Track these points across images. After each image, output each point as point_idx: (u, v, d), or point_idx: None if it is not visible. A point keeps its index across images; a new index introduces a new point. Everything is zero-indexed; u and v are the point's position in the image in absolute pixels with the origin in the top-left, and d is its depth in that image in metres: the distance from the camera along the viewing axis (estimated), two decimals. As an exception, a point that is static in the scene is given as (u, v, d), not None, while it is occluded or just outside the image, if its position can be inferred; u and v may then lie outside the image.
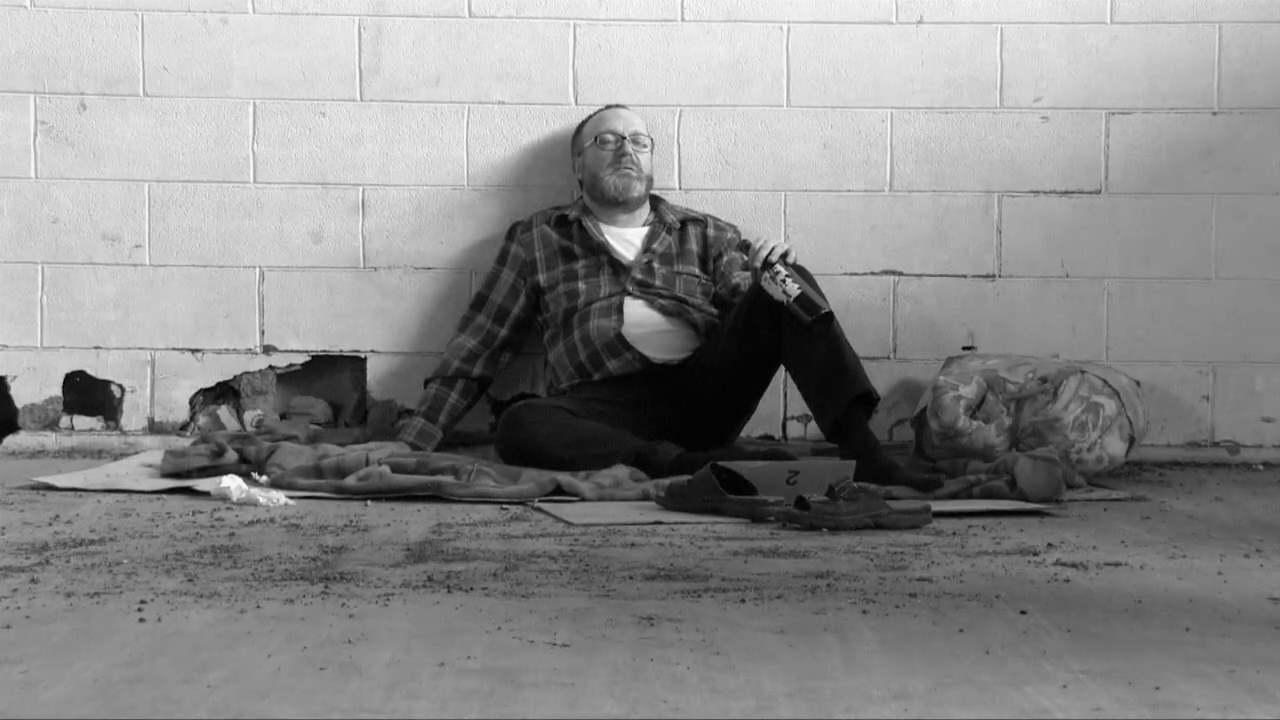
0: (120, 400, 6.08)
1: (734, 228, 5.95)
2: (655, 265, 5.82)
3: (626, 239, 5.87)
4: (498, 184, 6.08)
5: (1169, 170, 6.07)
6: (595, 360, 5.71)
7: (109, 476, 5.33)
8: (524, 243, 5.89)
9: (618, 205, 5.86)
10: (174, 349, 6.05)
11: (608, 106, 5.95)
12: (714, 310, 5.81)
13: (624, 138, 5.85)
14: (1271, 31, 6.05)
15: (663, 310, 5.76)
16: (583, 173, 5.90)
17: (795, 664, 3.18)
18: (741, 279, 5.82)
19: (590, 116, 5.95)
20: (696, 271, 5.86)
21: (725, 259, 5.89)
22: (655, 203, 5.96)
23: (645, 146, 5.87)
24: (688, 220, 5.93)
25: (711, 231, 5.92)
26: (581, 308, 5.76)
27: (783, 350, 5.53)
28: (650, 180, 5.90)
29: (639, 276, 5.79)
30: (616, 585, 3.84)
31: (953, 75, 6.07)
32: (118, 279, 6.05)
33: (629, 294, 5.77)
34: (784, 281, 5.44)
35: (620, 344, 5.70)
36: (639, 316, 5.74)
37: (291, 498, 5.03)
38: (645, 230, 5.89)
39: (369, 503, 5.01)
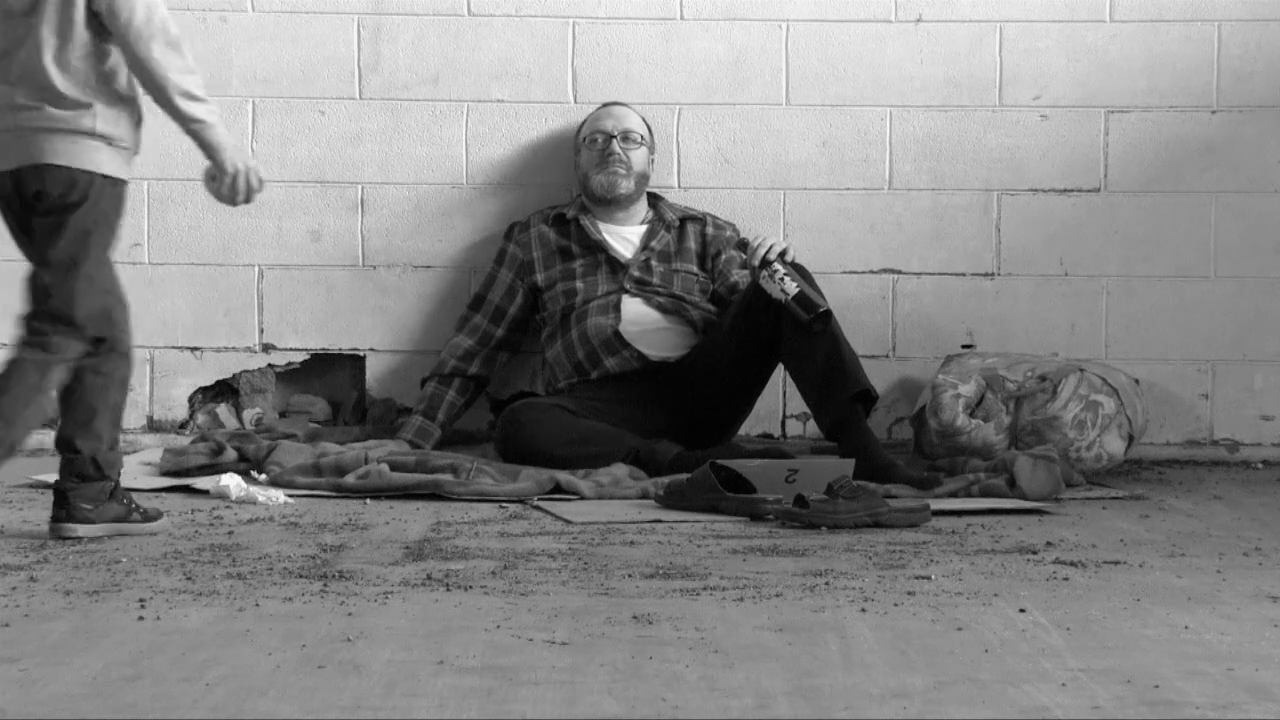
0: (119, 398, 6.07)
1: (732, 226, 5.95)
2: (653, 263, 5.82)
3: (624, 237, 5.86)
4: (497, 182, 6.08)
5: (1168, 168, 6.07)
6: (593, 358, 5.71)
7: (108, 475, 5.32)
8: (521, 243, 5.89)
9: (608, 203, 5.85)
10: (173, 347, 6.04)
11: (604, 105, 5.95)
12: (712, 308, 5.81)
13: (612, 136, 5.84)
14: (1270, 30, 6.05)
15: (660, 308, 5.76)
16: (578, 171, 5.91)
17: (794, 662, 3.18)
18: (740, 277, 5.81)
19: (590, 114, 5.95)
20: (695, 269, 5.86)
21: (724, 257, 5.88)
22: (654, 201, 5.96)
23: (638, 144, 5.86)
24: (686, 218, 5.93)
25: (710, 230, 5.92)
26: (579, 306, 5.76)
27: (781, 349, 5.53)
28: (643, 177, 5.89)
29: (636, 274, 5.79)
30: (615, 584, 3.85)
31: (952, 73, 6.07)
32: (117, 277, 6.04)
33: (626, 292, 5.76)
34: (782, 280, 5.44)
35: (618, 342, 5.70)
36: (636, 314, 5.74)
37: (290, 496, 5.03)
38: (644, 228, 5.89)
39: (368, 501, 5.01)
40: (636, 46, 6.06)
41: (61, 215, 4.29)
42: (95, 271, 4.33)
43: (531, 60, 6.05)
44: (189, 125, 4.30)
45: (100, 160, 4.31)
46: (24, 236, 4.40)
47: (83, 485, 4.35)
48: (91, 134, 4.29)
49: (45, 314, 4.31)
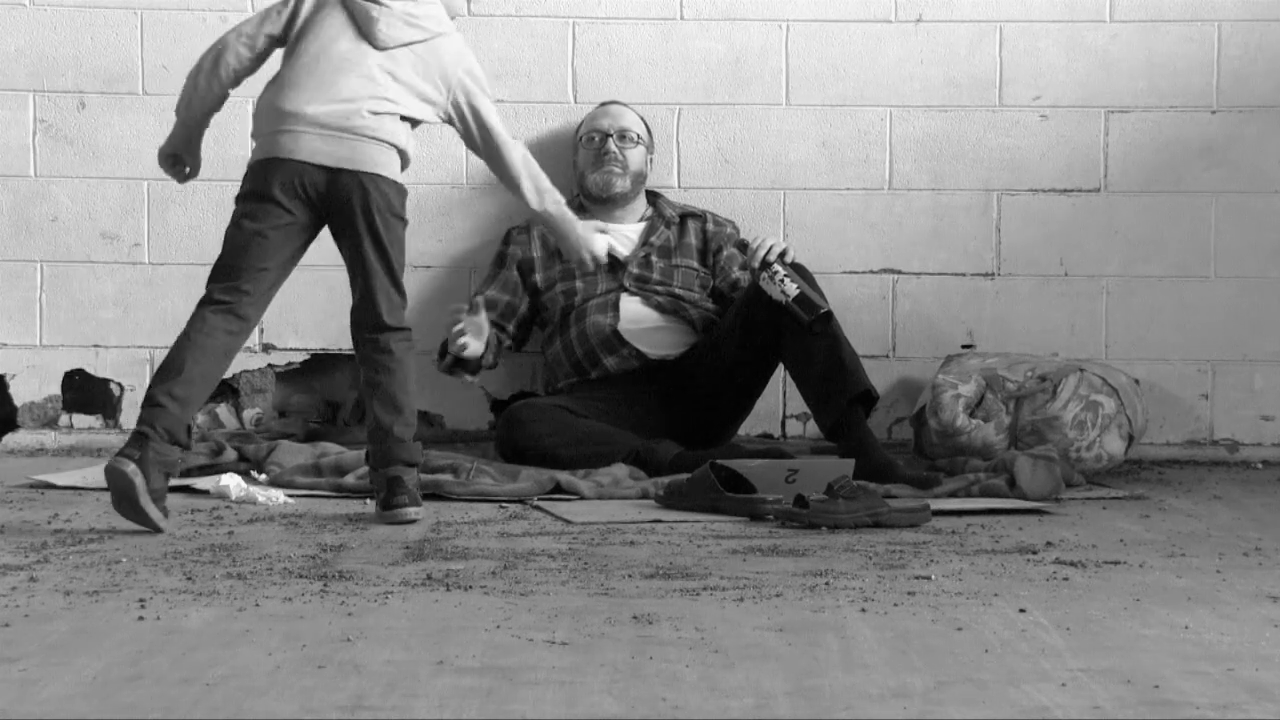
0: (119, 398, 6.08)
1: (732, 223, 5.96)
2: (653, 258, 5.82)
3: (623, 235, 5.86)
4: (497, 182, 6.07)
5: (1168, 169, 6.07)
6: (591, 357, 5.71)
7: (108, 475, 5.32)
8: (520, 243, 5.89)
9: (605, 202, 5.86)
10: (173, 347, 6.04)
11: (602, 104, 5.96)
12: (711, 306, 5.81)
13: (608, 135, 5.84)
14: (1270, 30, 6.05)
15: (658, 307, 5.76)
16: (576, 170, 5.91)
17: (794, 662, 3.18)
18: (741, 275, 5.82)
19: (588, 112, 5.96)
20: (695, 264, 5.86)
21: (725, 253, 5.89)
22: (653, 198, 5.96)
23: (634, 143, 5.86)
24: (686, 215, 5.93)
25: (711, 226, 5.92)
26: (578, 305, 5.76)
27: (782, 349, 5.53)
28: (640, 176, 5.88)
29: (636, 271, 5.79)
30: (615, 584, 3.85)
31: (952, 74, 6.07)
32: (117, 277, 6.05)
33: (625, 290, 5.76)
34: (782, 281, 5.44)
35: (616, 340, 5.70)
36: (634, 313, 5.74)
37: (290, 496, 5.03)
38: (642, 225, 5.89)
39: (368, 501, 5.00)
40: (636, 46, 6.06)
41: (385, 224, 4.76)
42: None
43: (531, 60, 6.05)
44: (541, 214, 4.94)
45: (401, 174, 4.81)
46: (284, 232, 4.72)
47: (166, 444, 4.49)
48: (404, 152, 4.80)
49: (367, 324, 4.79)
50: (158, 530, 4.42)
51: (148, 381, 6.01)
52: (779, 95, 6.07)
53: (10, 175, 6.04)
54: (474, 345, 5.43)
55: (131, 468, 4.42)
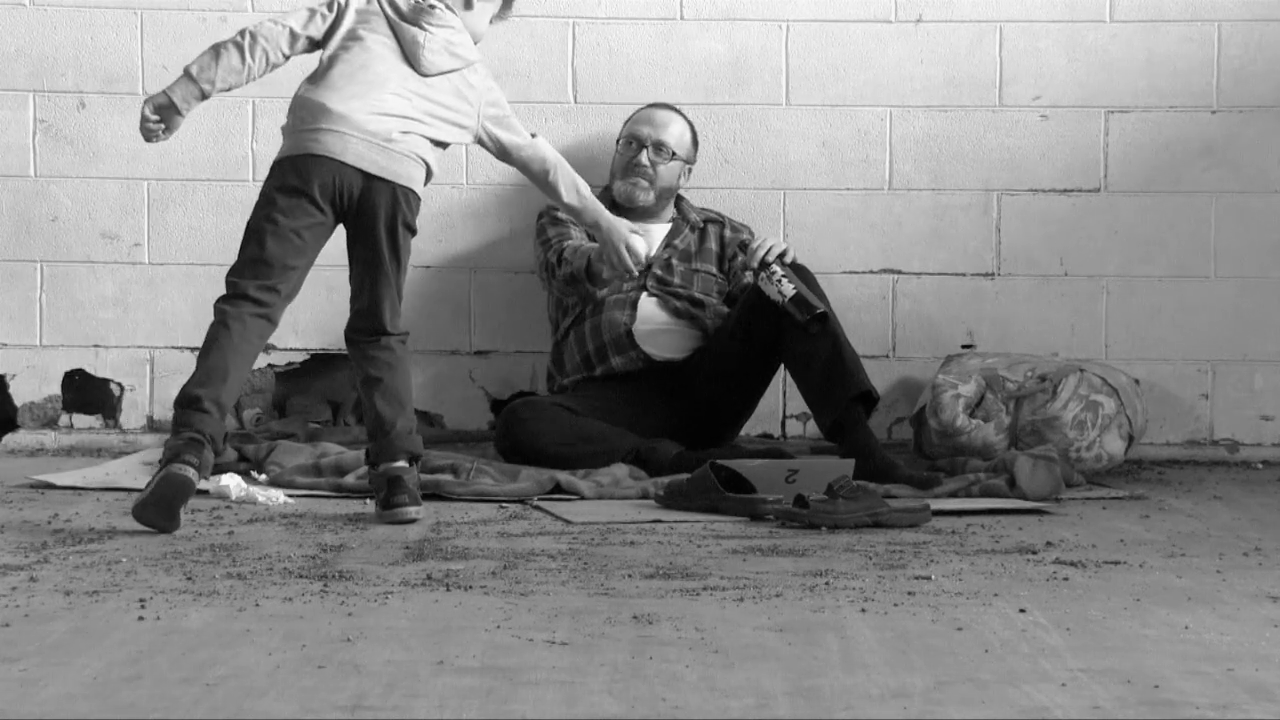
0: (119, 399, 6.08)
1: (748, 229, 5.93)
2: (674, 262, 5.80)
3: (650, 235, 5.83)
4: (497, 183, 6.08)
5: (1168, 169, 6.07)
6: (601, 354, 5.69)
7: (108, 475, 5.33)
8: (562, 219, 5.81)
9: (627, 211, 5.79)
10: (173, 347, 6.05)
11: (651, 105, 5.90)
12: (726, 310, 5.79)
13: (644, 145, 5.81)
14: (1270, 30, 6.05)
15: (674, 312, 5.74)
16: (611, 166, 5.86)
17: (794, 662, 3.18)
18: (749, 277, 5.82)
19: (637, 110, 5.90)
20: (713, 270, 5.85)
21: (739, 259, 5.88)
22: (677, 200, 5.94)
23: (669, 158, 5.81)
24: (708, 220, 5.92)
25: (727, 232, 5.91)
26: (598, 298, 5.72)
27: (782, 349, 5.53)
28: (669, 190, 5.83)
29: (658, 273, 5.77)
30: (615, 584, 3.85)
31: (952, 74, 6.07)
32: (117, 277, 6.05)
33: (646, 290, 5.75)
34: (779, 282, 5.44)
35: (628, 340, 5.68)
36: (649, 314, 5.73)
37: (290, 496, 5.03)
38: (668, 226, 5.87)
39: (368, 501, 5.00)
40: (636, 46, 6.06)
41: (404, 236, 4.77)
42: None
43: (531, 60, 6.05)
44: (577, 211, 5.05)
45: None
46: (315, 232, 4.71)
47: (210, 450, 4.52)
48: (430, 168, 4.82)
49: (369, 329, 4.81)
50: (166, 531, 4.42)
51: (147, 381, 6.04)
52: (779, 95, 6.07)
53: (10, 175, 6.04)
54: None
55: (194, 474, 4.45)
